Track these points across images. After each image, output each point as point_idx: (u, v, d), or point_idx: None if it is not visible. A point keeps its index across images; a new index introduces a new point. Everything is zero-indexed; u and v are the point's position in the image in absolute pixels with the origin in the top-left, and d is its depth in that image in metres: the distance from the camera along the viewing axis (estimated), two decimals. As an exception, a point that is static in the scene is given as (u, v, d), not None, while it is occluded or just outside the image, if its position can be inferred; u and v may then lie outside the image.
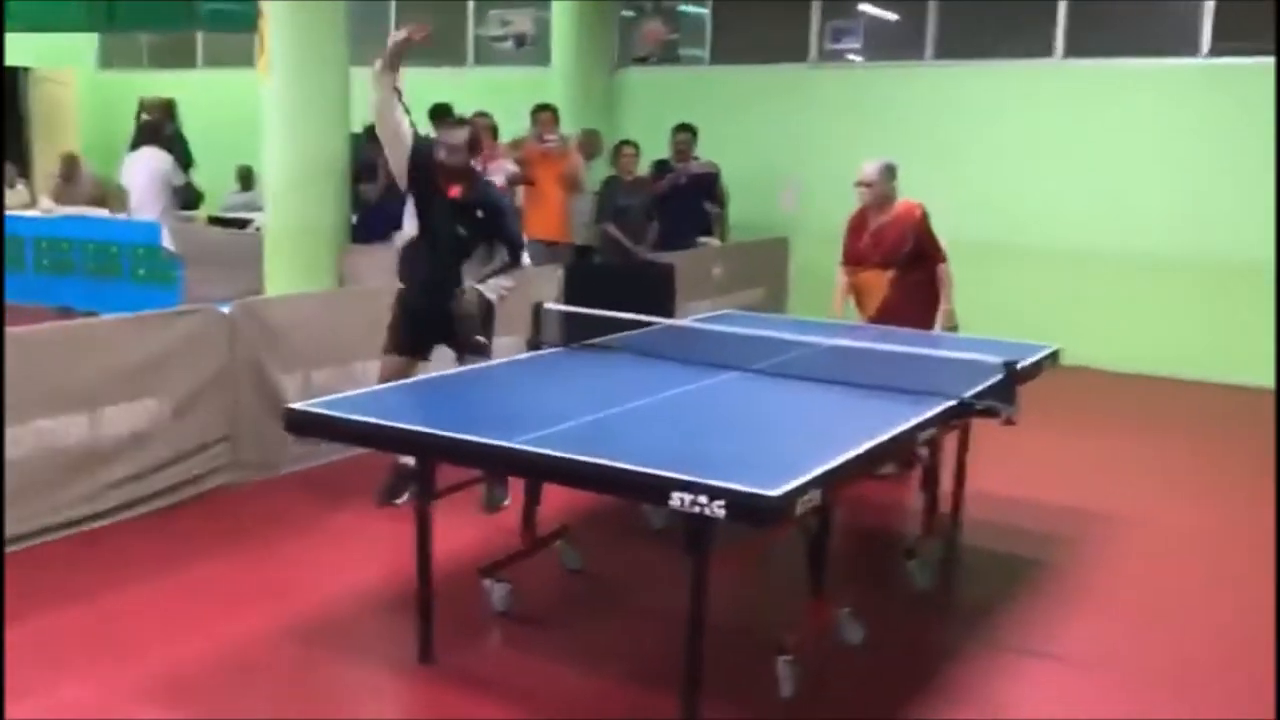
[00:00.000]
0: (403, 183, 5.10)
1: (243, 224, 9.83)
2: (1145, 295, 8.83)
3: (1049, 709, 3.61)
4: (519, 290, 5.29)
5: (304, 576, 4.42)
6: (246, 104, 10.20)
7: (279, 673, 3.64)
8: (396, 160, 5.05)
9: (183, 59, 13.95)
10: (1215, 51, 8.63)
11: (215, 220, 10.59)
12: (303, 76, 7.38)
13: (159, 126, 9.42)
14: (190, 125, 10.15)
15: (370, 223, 8.54)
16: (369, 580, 4.36)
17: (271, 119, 7.48)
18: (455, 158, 4.96)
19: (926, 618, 4.32)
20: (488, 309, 5.16)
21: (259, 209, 9.05)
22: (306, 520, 5.03)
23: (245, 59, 12.61)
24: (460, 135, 5.03)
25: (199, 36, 13.88)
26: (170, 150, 9.21)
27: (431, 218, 5.04)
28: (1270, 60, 8.37)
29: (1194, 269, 8.64)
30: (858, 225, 6.02)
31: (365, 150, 8.56)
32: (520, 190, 9.02)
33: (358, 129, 8.20)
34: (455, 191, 5.00)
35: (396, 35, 4.85)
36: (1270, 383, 8.28)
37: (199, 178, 10.10)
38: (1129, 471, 6.32)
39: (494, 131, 8.14)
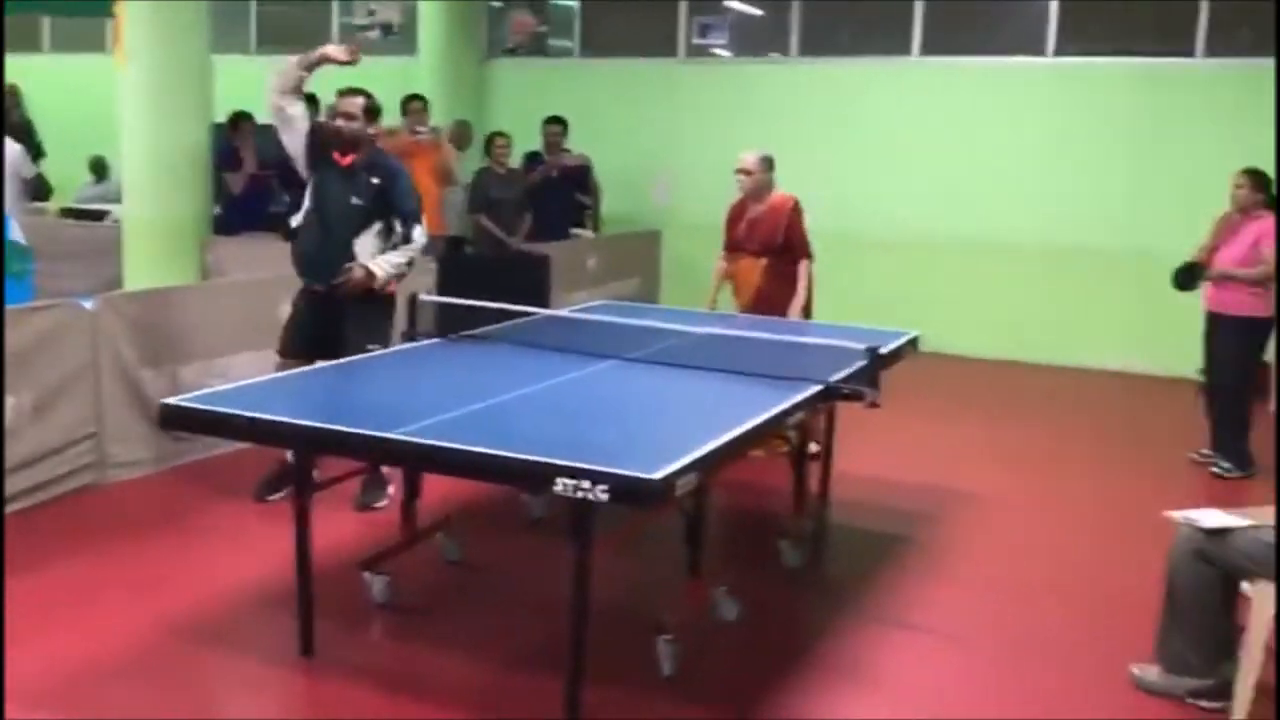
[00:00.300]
0: (302, 165, 5.04)
1: (98, 216, 9.47)
2: (998, 284, 9.26)
3: (912, 676, 3.81)
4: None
5: (178, 574, 4.34)
6: (97, 92, 9.86)
7: (155, 670, 3.58)
8: (293, 144, 5.01)
9: (27, 43, 13.33)
10: (1060, 52, 9.09)
11: (68, 212, 10.17)
12: (163, 64, 7.16)
13: (5, 114, 9.01)
14: (35, 113, 9.74)
15: (234, 214, 8.37)
16: (246, 576, 4.31)
17: (129, 108, 7.25)
18: (352, 124, 4.95)
19: (798, 593, 4.49)
20: (387, 307, 5.09)
21: (115, 201, 8.74)
22: (178, 517, 4.93)
23: (95, 44, 12.19)
24: (357, 102, 5.01)
25: (46, 20, 13.29)
26: (19, 139, 8.82)
27: (325, 191, 4.99)
28: (1110, 60, 8.90)
29: (1042, 258, 9.10)
30: (737, 213, 6.20)
31: (228, 139, 8.40)
32: None
33: (220, 118, 8.03)
34: (349, 159, 4.98)
35: (328, 50, 4.82)
36: (1112, 364, 8.82)
37: (47, 169, 9.69)
38: (984, 451, 6.64)
39: (375, 113, 8.06)
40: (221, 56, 7.89)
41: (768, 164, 6.12)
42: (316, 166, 5.02)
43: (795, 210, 6.07)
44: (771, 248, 6.05)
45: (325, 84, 8.68)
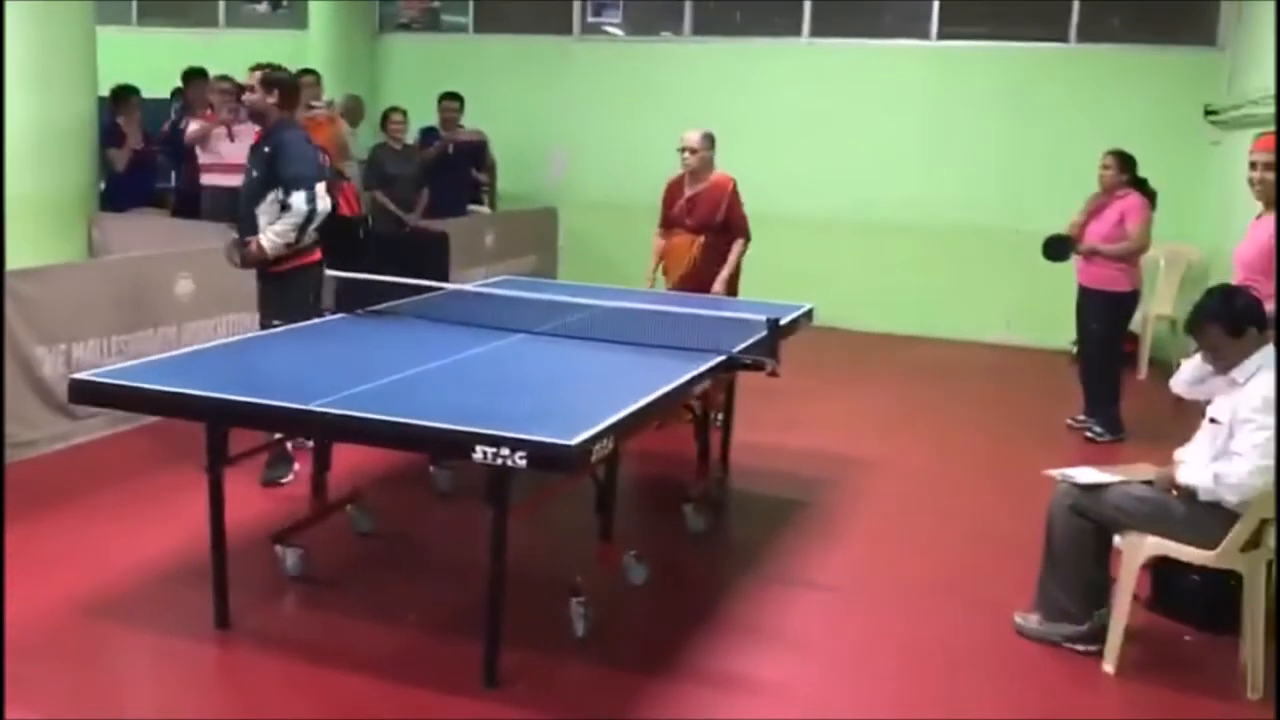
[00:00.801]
0: None
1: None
2: (885, 260, 9.56)
3: (813, 630, 4.02)
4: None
5: (85, 552, 4.30)
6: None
7: (68, 648, 3.56)
8: None
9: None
10: (943, 36, 9.41)
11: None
12: (44, 36, 6.95)
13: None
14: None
15: (120, 190, 8.14)
16: (155, 552, 4.28)
17: (9, 80, 7.00)
18: (251, 97, 5.07)
19: (703, 556, 4.67)
20: (287, 281, 5.05)
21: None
22: (81, 496, 4.86)
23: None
24: (254, 76, 5.06)
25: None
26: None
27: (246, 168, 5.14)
28: (989, 44, 9.27)
29: (926, 235, 9.44)
30: (674, 191, 6.33)
31: (111, 114, 8.13)
32: None
33: (104, 92, 7.80)
34: (256, 134, 5.12)
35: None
36: (993, 337, 9.22)
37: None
38: (874, 419, 6.92)
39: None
40: (103, 28, 7.68)
41: (709, 142, 6.27)
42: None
43: (735, 190, 6.22)
44: (709, 225, 6.20)
45: (210, 59, 8.54)
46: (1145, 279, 7.58)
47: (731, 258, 6.20)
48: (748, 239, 6.26)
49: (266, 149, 4.99)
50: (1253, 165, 4.35)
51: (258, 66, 5.08)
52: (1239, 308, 3.63)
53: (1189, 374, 3.91)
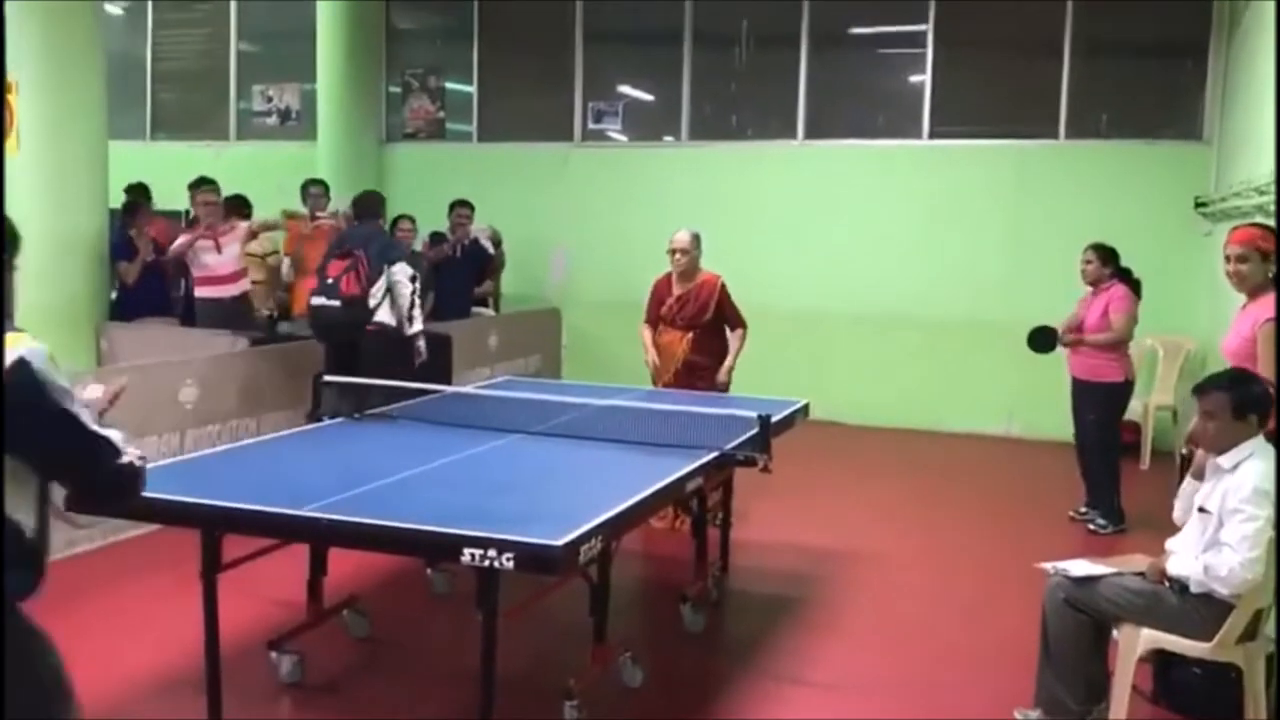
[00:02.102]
0: None
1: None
2: (883, 354, 9.62)
3: (811, 730, 3.98)
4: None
5: (79, 658, 4.24)
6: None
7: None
8: None
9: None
10: (934, 134, 9.62)
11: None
12: (57, 151, 7.17)
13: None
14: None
15: (131, 300, 8.27)
16: (150, 658, 4.28)
17: (23, 194, 7.20)
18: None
19: (699, 655, 4.63)
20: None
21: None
22: (77, 602, 4.85)
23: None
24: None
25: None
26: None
27: None
28: (980, 142, 9.47)
29: (923, 329, 9.51)
30: (662, 290, 6.45)
31: (123, 226, 8.24)
32: (288, 263, 8.97)
33: (115, 204, 8.00)
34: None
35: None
36: (994, 430, 9.23)
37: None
38: (872, 514, 6.89)
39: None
40: (116, 143, 7.91)
41: (697, 242, 6.42)
42: None
43: (724, 288, 6.35)
44: (698, 323, 6.31)
45: (220, 171, 8.75)
46: (1144, 370, 7.65)
47: (734, 345, 6.31)
48: (746, 328, 6.36)
49: None
50: (1227, 259, 4.43)
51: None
52: (1252, 392, 3.64)
53: (1182, 507, 3.91)
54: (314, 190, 8.88)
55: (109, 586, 5.08)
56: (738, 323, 6.36)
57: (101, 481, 2.31)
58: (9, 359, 2.06)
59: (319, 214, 8.74)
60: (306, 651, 4.19)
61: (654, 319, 6.48)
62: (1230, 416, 3.60)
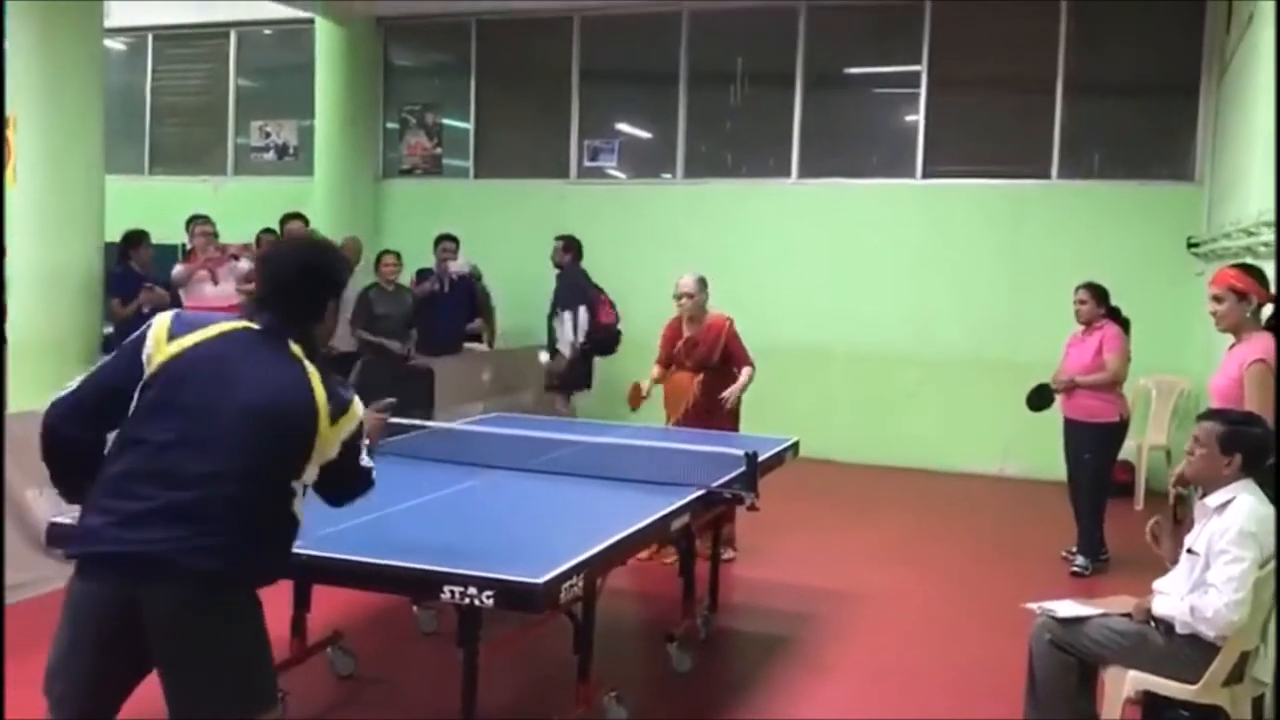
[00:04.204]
0: None
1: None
2: (876, 392, 9.62)
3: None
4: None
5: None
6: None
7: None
8: None
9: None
10: (928, 174, 9.68)
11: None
12: (54, 185, 7.22)
13: None
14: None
15: (126, 334, 8.26)
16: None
17: (19, 228, 7.24)
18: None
19: (686, 695, 4.59)
20: None
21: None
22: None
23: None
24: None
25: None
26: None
27: None
28: (973, 181, 9.52)
29: (917, 367, 9.51)
30: (673, 333, 6.53)
31: (123, 261, 8.17)
32: None
33: (112, 237, 8.01)
34: None
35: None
36: (988, 469, 9.21)
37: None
38: (864, 553, 6.86)
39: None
40: (114, 177, 7.96)
41: (703, 285, 6.48)
42: None
43: (732, 329, 6.40)
44: (708, 364, 6.37)
45: (216, 206, 8.79)
46: (1138, 409, 7.64)
47: (742, 379, 6.33)
48: (754, 367, 6.39)
49: None
50: (1210, 299, 4.46)
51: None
52: (1248, 432, 3.60)
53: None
54: (292, 225, 8.55)
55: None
56: (744, 362, 6.39)
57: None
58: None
59: None
60: (290, 689, 4.13)
61: (665, 360, 6.56)
62: (1216, 449, 3.59)
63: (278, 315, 2.68)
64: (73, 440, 2.62)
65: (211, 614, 2.49)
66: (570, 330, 8.76)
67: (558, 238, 9.15)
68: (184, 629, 2.48)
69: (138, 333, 2.65)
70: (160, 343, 2.58)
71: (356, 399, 2.73)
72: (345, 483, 2.82)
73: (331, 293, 2.79)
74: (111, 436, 2.62)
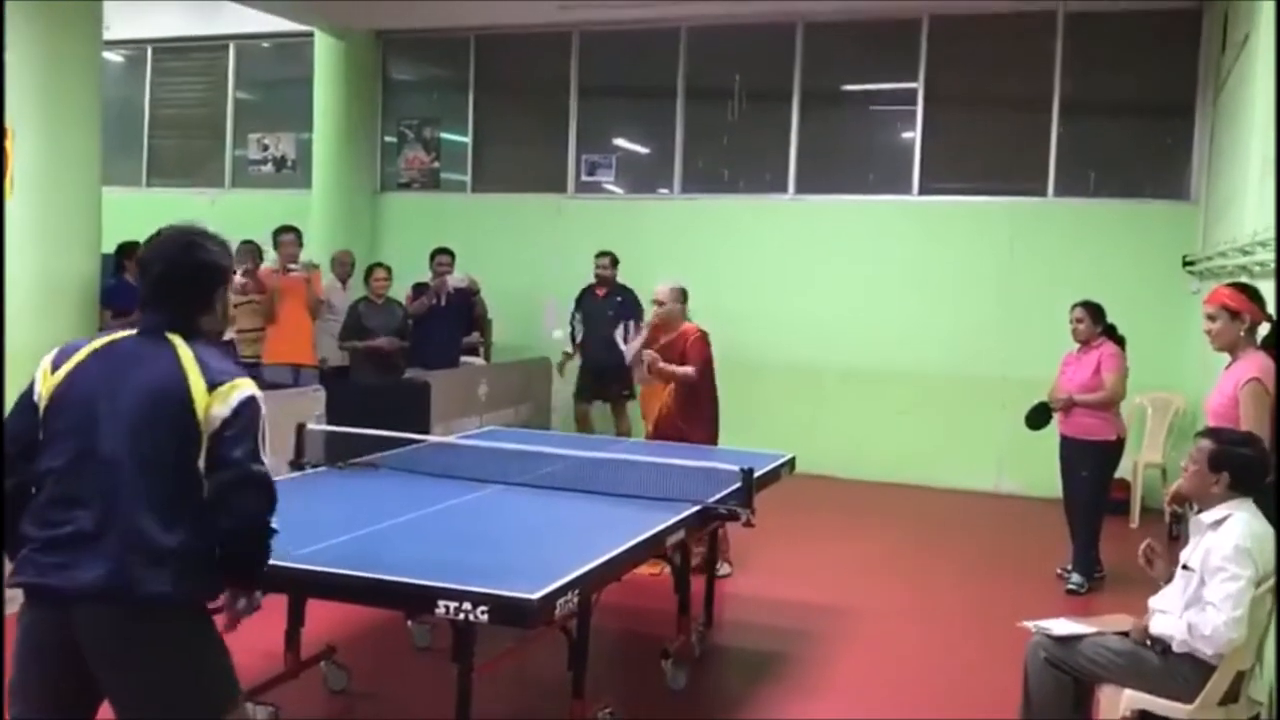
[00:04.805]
0: None
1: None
2: (873, 408, 9.62)
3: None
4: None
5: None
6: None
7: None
8: None
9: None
10: (924, 191, 9.70)
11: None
12: (51, 195, 7.19)
13: None
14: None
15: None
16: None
17: (15, 238, 7.22)
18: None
19: (680, 712, 4.57)
20: None
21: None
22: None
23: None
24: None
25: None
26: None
27: None
28: (970, 198, 9.55)
29: (913, 383, 9.51)
30: (650, 343, 6.50)
31: (117, 268, 8.18)
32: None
33: (109, 249, 8.00)
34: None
35: None
36: (984, 485, 9.21)
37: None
38: (861, 569, 6.85)
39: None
40: (111, 189, 7.95)
41: (679, 295, 6.46)
42: None
43: (698, 339, 6.35)
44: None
45: (214, 217, 8.78)
46: (1133, 427, 7.65)
47: (674, 367, 6.22)
48: (698, 373, 6.25)
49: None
50: (1204, 318, 4.47)
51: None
52: (1238, 453, 3.60)
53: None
54: (285, 238, 8.50)
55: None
56: (691, 363, 6.24)
57: None
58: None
59: (290, 266, 8.42)
60: (282, 703, 4.13)
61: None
62: (1206, 466, 3.61)
63: (163, 314, 2.66)
64: (7, 491, 2.58)
65: (141, 629, 2.49)
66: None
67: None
68: (117, 649, 2.49)
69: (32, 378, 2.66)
70: (45, 377, 2.62)
71: (246, 376, 2.65)
72: (222, 468, 2.55)
73: (219, 282, 2.76)
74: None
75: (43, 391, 2.61)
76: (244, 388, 2.60)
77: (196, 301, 2.71)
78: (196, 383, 2.55)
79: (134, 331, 2.68)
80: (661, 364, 6.22)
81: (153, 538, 2.48)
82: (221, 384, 2.57)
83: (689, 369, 6.25)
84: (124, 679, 2.52)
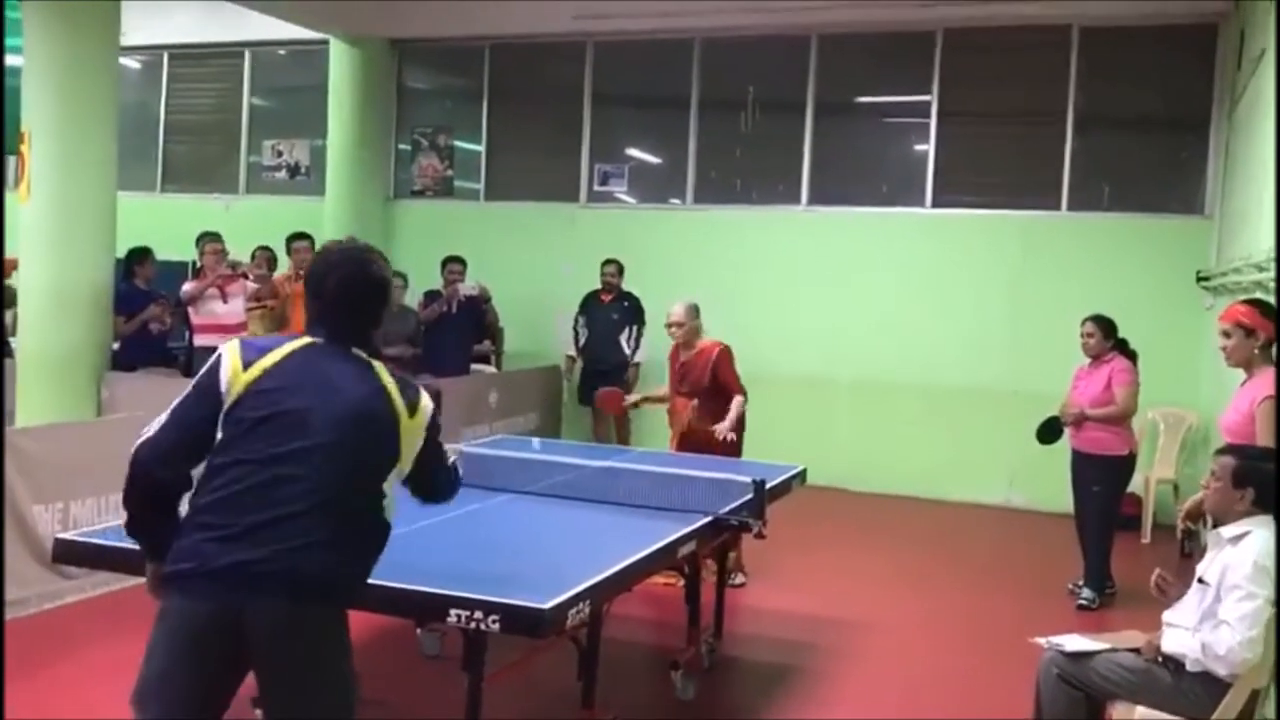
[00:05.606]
0: None
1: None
2: (884, 421, 9.60)
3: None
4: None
5: (75, 712, 4.24)
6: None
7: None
8: None
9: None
10: (937, 204, 9.69)
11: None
12: (66, 200, 7.25)
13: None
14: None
15: (132, 349, 8.27)
16: (128, 712, 4.21)
17: (30, 243, 7.28)
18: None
19: (690, 726, 4.57)
20: None
21: None
22: (71, 655, 4.83)
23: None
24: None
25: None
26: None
27: None
28: (983, 212, 9.53)
29: (925, 396, 9.49)
30: (672, 359, 6.60)
31: (129, 278, 8.18)
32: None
33: (120, 253, 8.03)
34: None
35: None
36: (995, 500, 9.18)
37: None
38: (871, 582, 6.82)
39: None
40: (127, 194, 7.99)
41: (694, 312, 6.50)
42: None
43: (722, 355, 6.37)
44: (700, 390, 6.37)
45: (227, 224, 8.83)
46: (1145, 443, 7.62)
47: (732, 413, 6.25)
48: (745, 395, 6.35)
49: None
50: (1219, 334, 4.46)
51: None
52: (1261, 468, 3.59)
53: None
54: (299, 245, 8.51)
55: (93, 639, 5.03)
56: (734, 390, 6.34)
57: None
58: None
59: (303, 272, 8.49)
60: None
61: (671, 382, 6.64)
62: (1230, 482, 3.59)
63: (339, 327, 2.74)
64: (165, 482, 2.66)
65: (315, 626, 2.57)
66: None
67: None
68: (290, 641, 2.54)
69: (207, 368, 2.69)
70: (236, 371, 2.64)
71: (423, 391, 2.82)
72: (438, 473, 2.98)
73: (389, 298, 2.88)
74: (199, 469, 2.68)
75: (234, 385, 2.63)
76: (427, 402, 2.81)
77: (373, 316, 2.81)
78: (400, 408, 2.71)
79: (318, 340, 2.73)
80: (729, 431, 6.17)
81: (334, 540, 2.58)
82: (416, 403, 2.76)
83: (738, 399, 6.29)
84: (288, 670, 2.57)
